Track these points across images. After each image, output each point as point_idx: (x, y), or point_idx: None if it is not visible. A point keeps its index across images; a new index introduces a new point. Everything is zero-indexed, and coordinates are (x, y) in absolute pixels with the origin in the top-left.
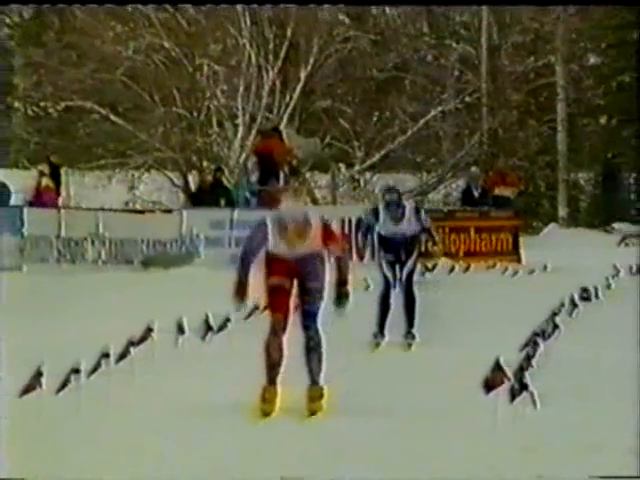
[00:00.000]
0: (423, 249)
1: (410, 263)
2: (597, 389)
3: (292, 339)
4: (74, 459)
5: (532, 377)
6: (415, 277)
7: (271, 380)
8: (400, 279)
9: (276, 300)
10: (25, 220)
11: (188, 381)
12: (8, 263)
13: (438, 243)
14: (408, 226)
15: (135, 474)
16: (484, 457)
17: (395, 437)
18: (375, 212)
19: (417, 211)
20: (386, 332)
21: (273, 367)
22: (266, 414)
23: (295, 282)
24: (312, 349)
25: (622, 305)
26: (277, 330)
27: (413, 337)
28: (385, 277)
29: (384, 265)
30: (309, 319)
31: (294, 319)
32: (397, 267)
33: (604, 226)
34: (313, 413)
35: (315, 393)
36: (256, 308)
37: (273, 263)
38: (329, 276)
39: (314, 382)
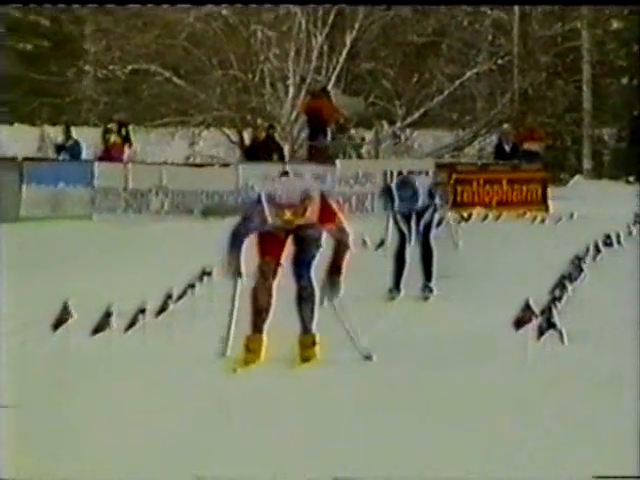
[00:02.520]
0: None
1: (427, 214)
2: (617, 327)
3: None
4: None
5: (559, 316)
6: (433, 229)
7: (256, 327)
8: (417, 230)
9: (267, 245)
10: (95, 173)
11: (243, 324)
12: (80, 212)
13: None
14: (423, 204)
15: (196, 406)
16: (509, 397)
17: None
18: (389, 193)
19: (431, 194)
20: (402, 287)
21: (259, 313)
22: (250, 364)
23: (291, 236)
24: (304, 299)
25: None
26: (267, 274)
27: (430, 290)
28: (400, 231)
29: (399, 218)
30: (302, 267)
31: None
32: (413, 219)
33: (626, 178)
34: (306, 360)
35: (307, 340)
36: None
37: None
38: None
39: (306, 330)
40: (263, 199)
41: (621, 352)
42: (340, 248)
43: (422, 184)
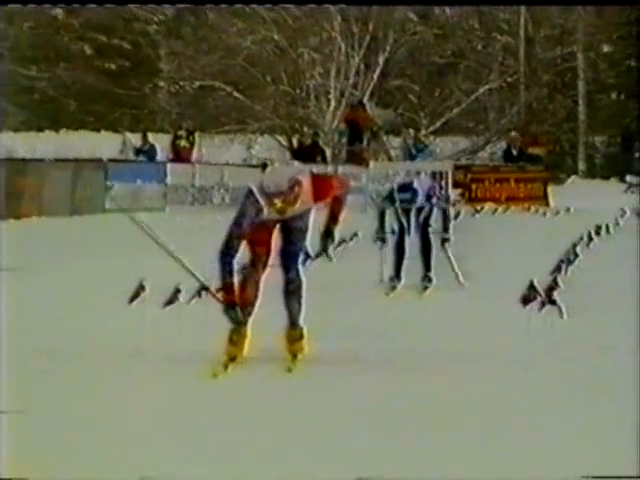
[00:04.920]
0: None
1: (426, 208)
2: (607, 302)
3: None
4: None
5: (559, 294)
6: (431, 222)
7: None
8: (417, 224)
9: (257, 236)
10: (168, 172)
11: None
12: (154, 205)
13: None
14: (421, 204)
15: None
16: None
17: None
18: (391, 195)
19: (428, 196)
20: (402, 275)
21: (245, 307)
22: (232, 358)
23: (278, 225)
24: (292, 292)
25: (627, 238)
26: (257, 264)
27: (430, 280)
28: (400, 223)
29: (399, 212)
30: (290, 259)
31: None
32: (413, 213)
33: (616, 177)
34: (294, 356)
35: (295, 334)
36: (355, 235)
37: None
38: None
39: (293, 324)
40: (255, 190)
41: (611, 323)
42: (337, 201)
43: (421, 186)
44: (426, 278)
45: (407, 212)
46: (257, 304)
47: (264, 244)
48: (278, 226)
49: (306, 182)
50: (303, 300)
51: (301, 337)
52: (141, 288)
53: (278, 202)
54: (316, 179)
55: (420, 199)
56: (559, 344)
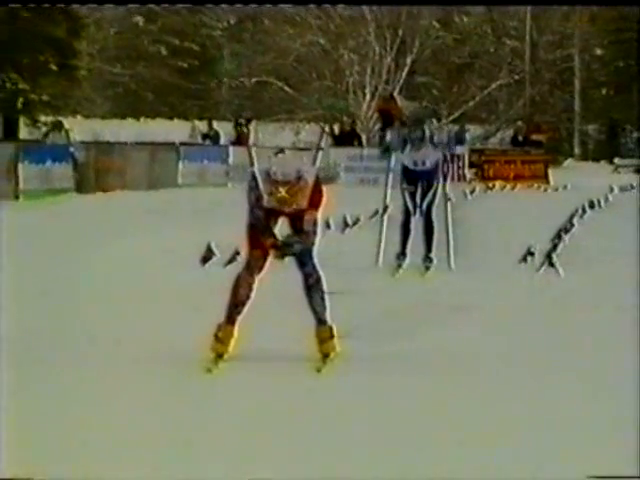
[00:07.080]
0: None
1: (430, 194)
2: (598, 264)
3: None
4: None
5: (557, 257)
6: (434, 207)
7: (230, 319)
8: (421, 208)
9: (255, 236)
10: (230, 154)
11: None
12: (218, 181)
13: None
14: (426, 153)
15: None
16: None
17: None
18: (404, 140)
19: (432, 138)
20: (407, 253)
21: (236, 306)
22: (219, 355)
23: (281, 220)
24: (312, 287)
25: (615, 211)
26: (252, 268)
27: (431, 260)
28: (406, 206)
29: (406, 196)
30: (304, 256)
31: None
32: (418, 196)
33: (606, 160)
34: (326, 355)
35: (325, 334)
36: (385, 209)
37: (260, 203)
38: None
39: (321, 322)
40: (257, 175)
41: (601, 281)
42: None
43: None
44: (427, 259)
45: (412, 195)
46: (248, 305)
47: (260, 247)
48: (279, 223)
49: (310, 183)
50: (326, 296)
51: (331, 336)
52: (210, 251)
53: (282, 191)
54: (318, 187)
55: (425, 135)
56: (557, 301)
